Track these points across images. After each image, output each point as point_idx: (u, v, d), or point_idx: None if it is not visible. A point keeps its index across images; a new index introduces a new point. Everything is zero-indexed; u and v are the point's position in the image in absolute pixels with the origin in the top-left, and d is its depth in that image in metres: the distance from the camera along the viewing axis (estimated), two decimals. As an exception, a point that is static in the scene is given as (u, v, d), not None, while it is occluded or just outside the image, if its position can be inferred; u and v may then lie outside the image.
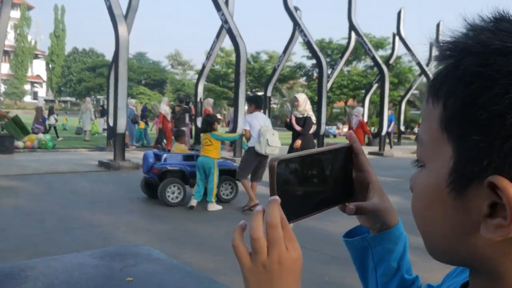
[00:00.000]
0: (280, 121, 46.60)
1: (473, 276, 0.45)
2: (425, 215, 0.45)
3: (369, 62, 41.68)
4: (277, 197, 0.53)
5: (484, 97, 0.36)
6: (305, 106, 8.31)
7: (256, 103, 6.82)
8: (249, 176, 6.47)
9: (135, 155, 11.25)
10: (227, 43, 51.19)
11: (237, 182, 7.09)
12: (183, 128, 11.71)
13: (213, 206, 6.45)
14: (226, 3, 14.10)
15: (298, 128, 8.25)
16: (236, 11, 15.33)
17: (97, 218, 5.49)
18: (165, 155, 6.74)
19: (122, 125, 10.40)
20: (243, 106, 12.34)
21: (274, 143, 6.32)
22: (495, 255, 0.39)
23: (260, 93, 45.54)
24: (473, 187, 0.38)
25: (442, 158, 0.41)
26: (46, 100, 64.00)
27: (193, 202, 6.34)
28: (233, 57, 45.96)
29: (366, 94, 23.58)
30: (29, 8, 70.65)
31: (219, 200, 6.80)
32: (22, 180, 8.23)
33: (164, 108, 14.13)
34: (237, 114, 12.12)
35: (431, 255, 0.47)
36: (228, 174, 7.05)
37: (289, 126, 8.39)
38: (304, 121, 8.23)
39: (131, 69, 56.18)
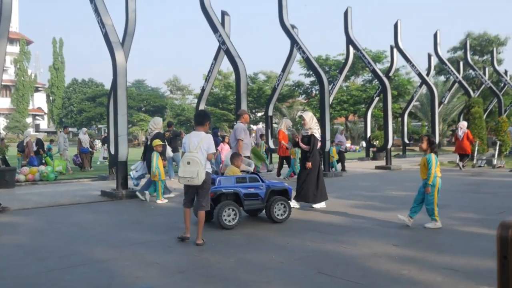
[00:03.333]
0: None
1: None
2: None
3: (367, 76, 41.70)
4: None
5: None
6: (311, 124, 8.30)
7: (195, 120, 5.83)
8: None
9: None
10: (224, 66, 51.34)
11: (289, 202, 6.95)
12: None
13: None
14: (223, 24, 14.04)
15: (304, 147, 8.22)
16: (232, 33, 15.27)
17: (100, 253, 5.20)
18: (218, 178, 6.67)
19: (123, 153, 10.17)
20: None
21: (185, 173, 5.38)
22: None
23: (260, 114, 45.50)
24: None
25: None
26: (47, 132, 63.84)
27: None
28: (231, 79, 46.03)
29: (368, 108, 23.38)
30: (28, 42, 71.44)
31: (222, 226, 6.37)
32: (23, 215, 7.96)
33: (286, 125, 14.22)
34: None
35: None
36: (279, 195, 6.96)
37: (298, 145, 8.39)
38: (309, 139, 8.19)
39: (131, 96, 56.32)
